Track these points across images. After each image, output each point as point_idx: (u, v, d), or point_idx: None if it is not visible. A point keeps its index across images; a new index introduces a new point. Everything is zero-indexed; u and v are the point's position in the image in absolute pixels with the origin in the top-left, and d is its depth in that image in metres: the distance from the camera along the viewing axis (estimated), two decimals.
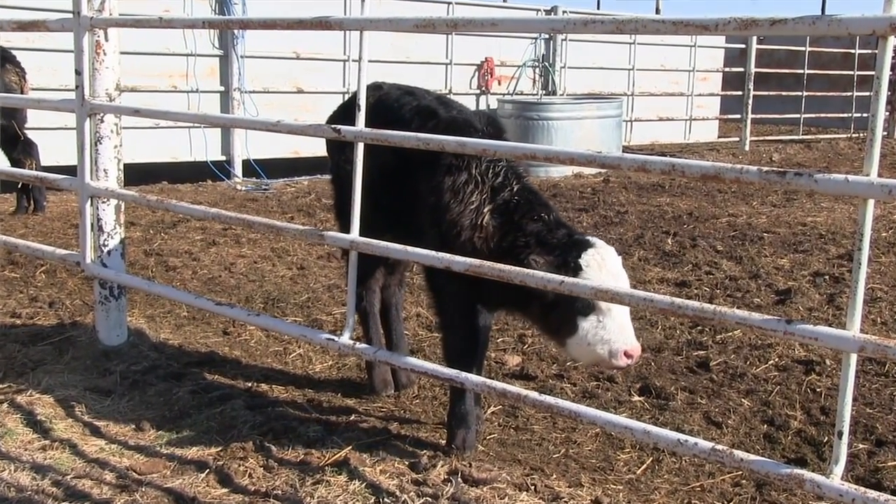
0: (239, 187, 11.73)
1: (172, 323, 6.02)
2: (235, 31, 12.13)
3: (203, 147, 12.25)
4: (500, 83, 15.37)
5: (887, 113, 18.94)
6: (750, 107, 17.57)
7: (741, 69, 17.85)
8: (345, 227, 4.65)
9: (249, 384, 4.92)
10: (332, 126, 3.89)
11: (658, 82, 17.61)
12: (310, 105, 13.05)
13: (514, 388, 3.51)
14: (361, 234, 3.91)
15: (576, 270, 3.56)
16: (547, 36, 15.77)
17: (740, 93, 17.82)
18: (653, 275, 7.39)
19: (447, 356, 4.24)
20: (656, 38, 16.80)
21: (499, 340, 5.84)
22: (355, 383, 5.09)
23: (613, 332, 3.58)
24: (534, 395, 3.40)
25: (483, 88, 15.06)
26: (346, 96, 13.19)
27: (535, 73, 15.92)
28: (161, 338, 5.64)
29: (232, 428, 4.25)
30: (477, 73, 15.02)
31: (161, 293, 5.42)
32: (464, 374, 3.58)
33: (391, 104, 4.50)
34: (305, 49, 12.89)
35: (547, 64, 15.88)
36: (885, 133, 18.72)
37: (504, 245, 3.87)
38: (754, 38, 17.51)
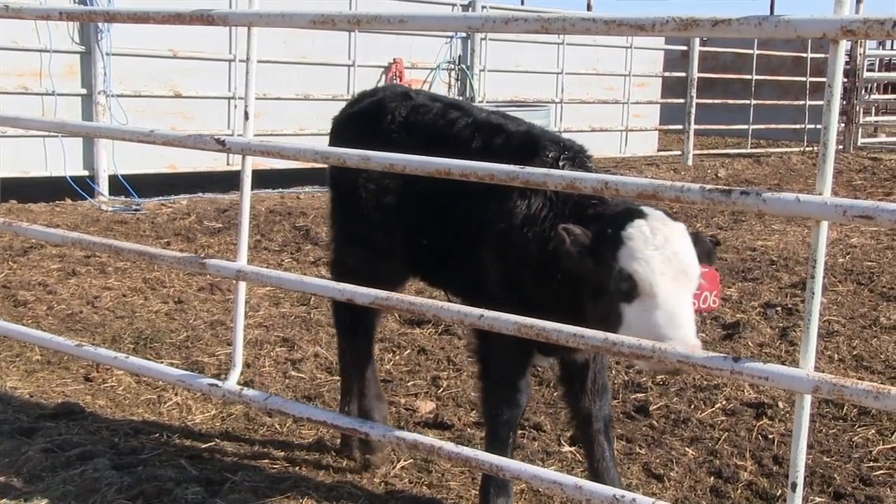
0: (104, 207, 11.51)
1: (22, 368, 5.85)
2: (100, 24, 11.94)
3: (61, 160, 11.98)
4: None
5: (842, 125, 19.61)
6: (693, 116, 18.01)
7: (683, 74, 18.30)
8: (351, 253, 4.63)
9: (116, 439, 4.81)
10: (215, 137, 3.86)
11: (590, 88, 17.91)
12: (189, 111, 12.90)
13: (427, 439, 3.51)
14: (377, 272, 3.86)
15: (615, 244, 3.38)
16: (464, 35, 15.92)
17: (682, 100, 18.25)
18: None
19: (490, 418, 4.12)
20: (587, 39, 17.09)
21: (409, 384, 5.84)
22: (241, 435, 5.02)
23: (663, 323, 3.28)
24: (450, 446, 3.41)
25: None
26: (234, 102, 13.10)
27: (450, 76, 16.05)
28: (7, 386, 5.48)
29: (94, 492, 4.14)
30: (384, 77, 15.07)
31: (8, 333, 5.26)
32: (368, 425, 3.57)
33: (435, 120, 4.38)
34: (184, 46, 12.75)
35: (464, 67, 16.02)
36: (841, 147, 19.37)
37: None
38: (697, 40, 17.97)
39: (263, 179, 12.08)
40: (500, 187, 3.55)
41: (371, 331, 4.93)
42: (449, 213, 4.16)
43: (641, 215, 3.44)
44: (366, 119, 4.59)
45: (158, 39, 12.39)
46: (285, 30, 12.10)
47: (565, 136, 4.21)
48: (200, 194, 12.41)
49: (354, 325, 4.80)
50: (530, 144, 4.01)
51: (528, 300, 3.75)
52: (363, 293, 3.51)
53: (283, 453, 4.83)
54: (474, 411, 5.46)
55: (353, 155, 3.54)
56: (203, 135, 3.99)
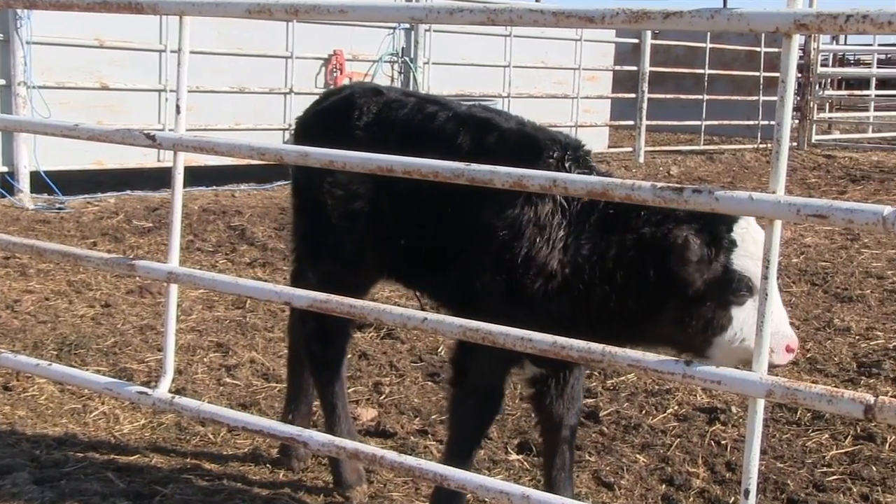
0: (26, 205, 11.35)
1: None
2: (19, 11, 11.76)
3: None
4: (351, 80, 15.42)
5: (795, 121, 19.90)
6: (644, 112, 18.18)
7: (634, 67, 18.45)
8: (316, 263, 4.53)
9: (38, 452, 4.75)
10: (145, 131, 3.81)
11: (538, 82, 17.98)
12: (117, 104, 12.74)
13: (369, 448, 3.51)
14: (344, 285, 3.82)
15: (730, 246, 3.49)
16: (407, 26, 15.92)
17: (633, 95, 18.40)
18: None
19: (456, 428, 4.11)
20: (536, 31, 17.17)
21: (350, 391, 5.83)
22: (172, 446, 4.98)
23: (778, 320, 3.46)
24: (392, 455, 3.40)
25: (331, 87, 15.07)
26: (165, 94, 12.96)
27: (393, 69, 16.04)
28: None
29: None
30: (324, 69, 15.02)
31: None
32: (306, 433, 3.55)
33: (412, 115, 4.28)
34: (112, 36, 12.60)
35: (408, 59, 16.02)
36: (795, 144, 19.66)
37: (620, 262, 3.70)
38: (648, 33, 18.14)
39: (196, 177, 11.98)
40: (500, 191, 3.46)
41: (344, 361, 4.80)
42: (440, 217, 4.06)
43: (736, 217, 3.51)
44: (334, 117, 4.49)
45: (83, 28, 12.22)
46: (219, 19, 12.03)
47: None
48: (129, 192, 12.26)
49: (326, 359, 4.66)
50: (530, 144, 3.97)
51: (541, 315, 3.71)
52: (300, 296, 3.50)
53: (216, 465, 4.79)
54: (418, 418, 5.47)
55: (290, 151, 3.52)
56: (132, 129, 3.94)
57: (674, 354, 3.46)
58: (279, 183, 13.18)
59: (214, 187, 12.98)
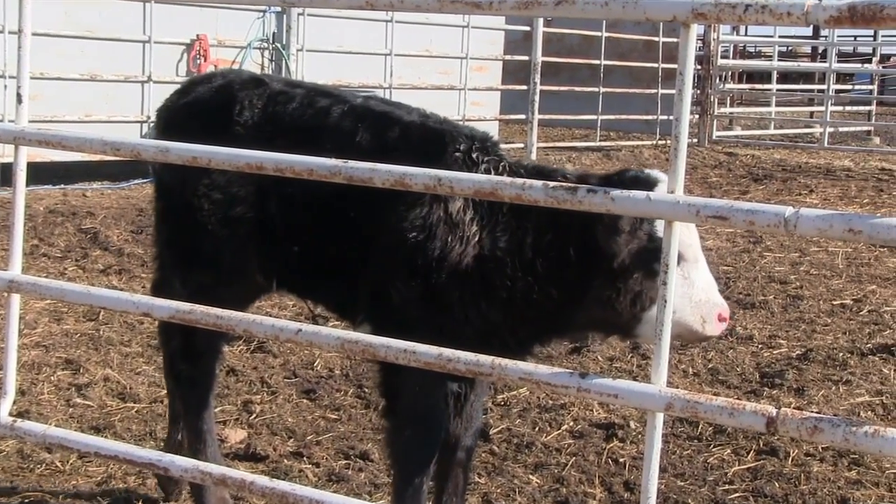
0: None
1: None
2: None
3: None
4: (216, 68, 15.24)
5: (695, 116, 20.34)
6: (537, 105, 18.31)
7: (526, 57, 18.60)
8: (187, 274, 4.40)
9: None
10: None
11: (423, 72, 18.00)
12: None
13: (237, 473, 3.47)
14: (218, 297, 3.72)
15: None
16: (278, 9, 15.81)
17: (525, 87, 18.54)
18: None
19: (401, 464, 4.02)
20: (419, 17, 17.21)
21: (217, 411, 5.76)
22: (13, 476, 4.86)
23: (704, 289, 3.54)
24: (263, 480, 3.37)
25: (194, 75, 14.89)
26: (4, 81, 12.65)
27: (263, 56, 15.92)
28: None
29: None
30: (186, 55, 14.84)
31: None
32: (167, 458, 3.50)
33: (302, 109, 4.18)
34: None
35: (279, 45, 15.92)
36: (695, 140, 20.11)
37: (538, 249, 3.71)
38: (540, 20, 18.31)
39: (41, 174, 11.72)
40: (407, 191, 3.47)
41: (213, 380, 4.72)
42: (341, 222, 4.03)
43: (656, 180, 3.51)
44: (209, 111, 4.36)
45: None
46: None
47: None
48: None
49: (193, 379, 4.55)
50: (435, 138, 3.95)
51: (460, 318, 3.74)
52: (160, 306, 3.45)
53: (64, 496, 4.70)
54: (292, 439, 5.44)
55: (148, 147, 3.47)
56: None
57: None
58: (136, 181, 12.97)
59: (62, 186, 12.69)
